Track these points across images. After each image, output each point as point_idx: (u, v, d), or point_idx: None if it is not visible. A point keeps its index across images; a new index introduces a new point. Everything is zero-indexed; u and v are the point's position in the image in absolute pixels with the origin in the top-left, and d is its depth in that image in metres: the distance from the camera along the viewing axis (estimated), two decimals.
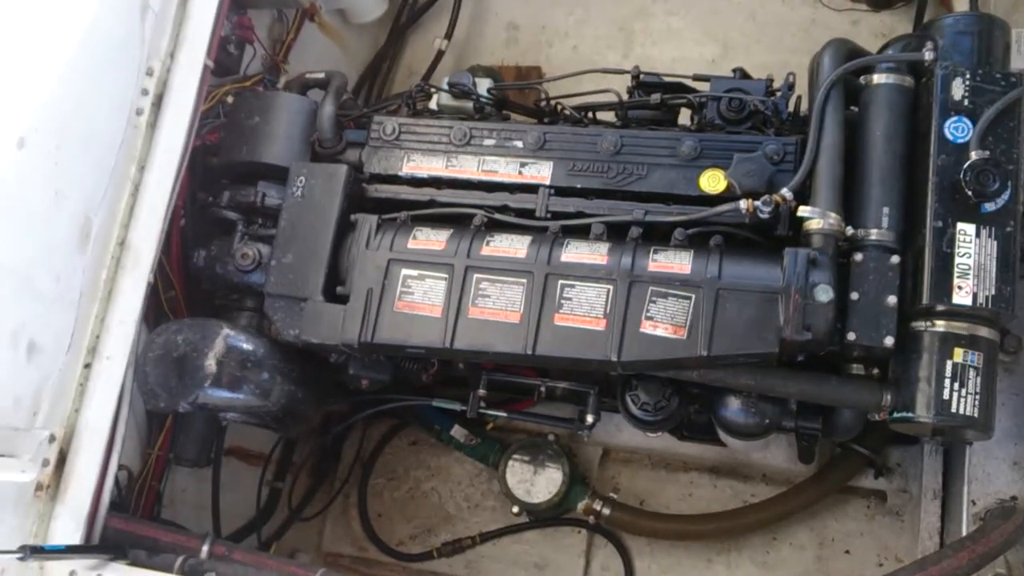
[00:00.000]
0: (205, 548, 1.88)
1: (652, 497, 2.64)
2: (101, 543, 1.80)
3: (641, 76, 2.12)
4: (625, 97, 2.12)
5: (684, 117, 2.17)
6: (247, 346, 1.95)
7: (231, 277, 2.07)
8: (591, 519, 2.50)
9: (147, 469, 2.14)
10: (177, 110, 1.95)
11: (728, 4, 2.96)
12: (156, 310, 2.11)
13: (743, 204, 1.79)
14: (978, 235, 1.68)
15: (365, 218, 1.97)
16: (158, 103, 1.95)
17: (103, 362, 1.84)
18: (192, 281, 2.16)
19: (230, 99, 2.20)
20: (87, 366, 1.83)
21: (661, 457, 2.67)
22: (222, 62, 2.26)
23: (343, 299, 1.92)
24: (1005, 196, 1.68)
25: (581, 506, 2.49)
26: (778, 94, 2.01)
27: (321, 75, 2.24)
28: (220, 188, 2.13)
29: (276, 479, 2.69)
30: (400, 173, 2.07)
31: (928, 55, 1.80)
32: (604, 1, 3.06)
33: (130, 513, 2.06)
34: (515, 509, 2.54)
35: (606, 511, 2.47)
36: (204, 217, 2.15)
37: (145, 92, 1.93)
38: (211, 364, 1.90)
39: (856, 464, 2.40)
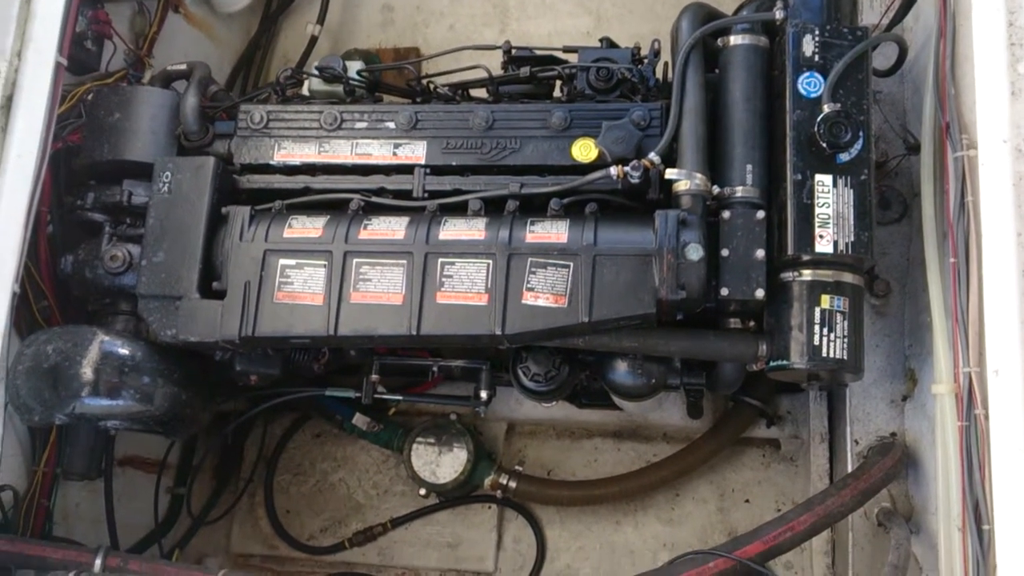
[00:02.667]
0: (98, 561, 1.84)
1: (559, 466, 2.68)
2: None
3: (512, 51, 2.13)
4: (499, 73, 2.13)
5: (559, 90, 2.18)
6: (124, 351, 1.89)
7: (102, 281, 2.00)
8: (498, 494, 2.52)
9: (34, 487, 2.07)
10: (29, 112, 1.88)
11: None
12: (30, 321, 2.04)
13: (614, 171, 1.82)
14: (835, 185, 1.75)
15: (237, 210, 1.93)
16: (7, 106, 1.87)
17: None
18: (65, 288, 2.09)
19: (90, 97, 2.12)
20: None
21: (565, 426, 2.70)
22: (79, 59, 2.18)
23: (220, 295, 1.88)
24: (858, 146, 1.75)
25: (488, 482, 2.51)
26: (645, 62, 2.04)
27: (183, 66, 2.17)
28: (85, 190, 2.05)
29: (177, 484, 2.63)
30: (271, 162, 2.04)
31: (779, 14, 1.85)
32: None
33: (18, 534, 1.99)
34: (422, 491, 2.53)
35: (512, 484, 2.49)
36: (71, 221, 2.07)
37: None
38: (87, 372, 1.84)
39: (749, 415, 2.47)
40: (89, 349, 1.87)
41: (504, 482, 2.50)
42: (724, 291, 1.78)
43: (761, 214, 1.80)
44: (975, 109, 1.61)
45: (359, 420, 2.56)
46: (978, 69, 1.59)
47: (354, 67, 2.16)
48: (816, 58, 1.79)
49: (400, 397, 2.30)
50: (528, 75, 2.07)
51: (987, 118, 1.56)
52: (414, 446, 2.52)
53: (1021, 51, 1.58)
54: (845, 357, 1.75)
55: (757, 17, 1.90)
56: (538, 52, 2.13)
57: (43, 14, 1.91)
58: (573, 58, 2.09)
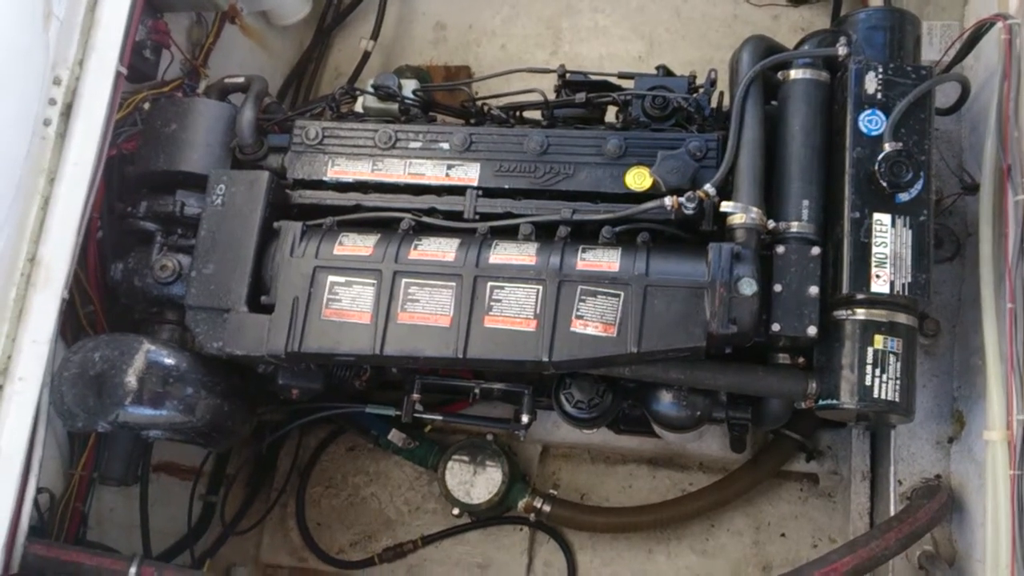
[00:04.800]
0: (132, 570, 1.84)
1: (592, 491, 2.66)
2: (21, 572, 1.74)
3: (567, 75, 2.13)
4: (552, 96, 2.12)
5: (611, 114, 2.17)
6: (169, 361, 1.89)
7: (150, 290, 2.01)
8: (532, 516, 2.51)
9: (70, 490, 2.07)
10: (88, 119, 1.90)
11: (653, 1, 2.97)
12: (75, 326, 2.05)
13: (668, 201, 1.81)
14: (893, 225, 1.72)
15: (289, 225, 1.94)
16: (67, 113, 1.89)
17: (15, 383, 1.77)
18: (112, 295, 2.10)
19: (147, 106, 2.14)
20: None
21: (600, 451, 2.68)
22: (137, 68, 2.20)
23: (268, 309, 1.89)
24: (918, 186, 1.72)
25: (521, 504, 2.49)
26: (700, 91, 2.03)
27: (241, 79, 2.19)
28: (138, 198, 2.07)
29: (210, 493, 2.63)
30: (324, 178, 2.04)
31: (842, 50, 1.83)
32: None
33: (53, 537, 2.00)
34: (455, 511, 2.53)
35: (546, 508, 2.48)
36: (122, 228, 2.08)
37: (52, 102, 1.87)
38: (131, 381, 1.84)
39: (788, 449, 2.44)
40: (135, 358, 1.87)
41: (538, 505, 2.48)
42: (775, 327, 1.75)
43: (816, 250, 1.77)
44: None
45: (395, 436, 2.56)
46: None
47: (408, 85, 2.16)
48: (879, 96, 1.77)
49: (440, 416, 2.29)
50: (584, 100, 2.06)
51: None
52: (449, 464, 2.51)
53: None
54: (897, 399, 1.72)
55: (819, 53, 1.88)
56: (593, 77, 2.13)
57: (106, 23, 1.93)
58: (628, 84, 2.08)
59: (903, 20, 1.89)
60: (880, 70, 1.78)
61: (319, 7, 3.00)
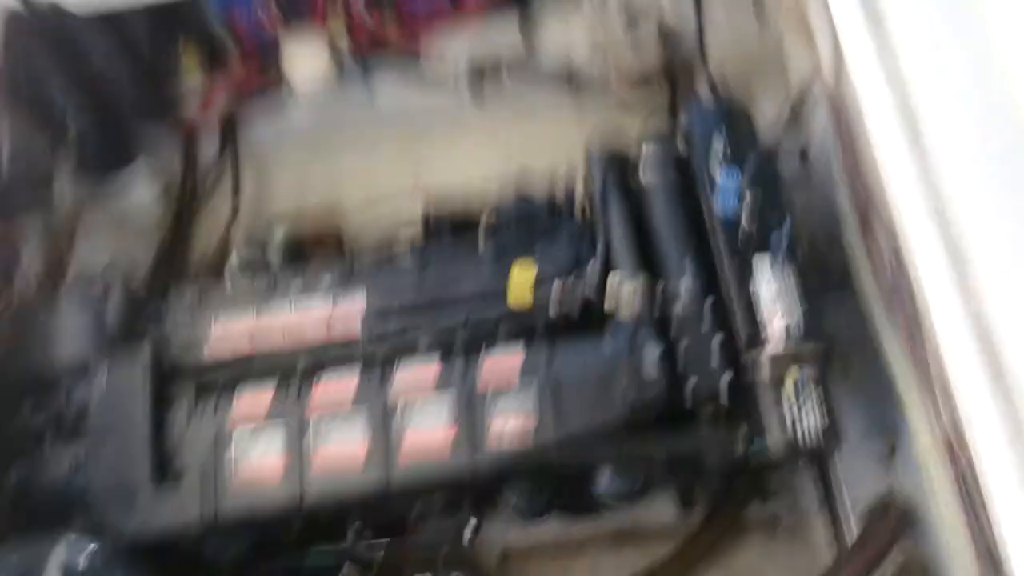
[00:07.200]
0: None
1: None
2: None
3: (430, 220, 2.19)
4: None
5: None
6: (84, 560, 1.79)
7: (52, 486, 1.91)
8: None
9: None
10: None
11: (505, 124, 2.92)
12: None
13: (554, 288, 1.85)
14: (772, 265, 1.78)
15: (181, 390, 1.88)
16: None
17: None
18: (14, 501, 1.98)
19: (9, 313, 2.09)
20: None
21: (560, 542, 2.60)
22: None
23: (177, 480, 1.81)
24: (786, 227, 1.81)
25: None
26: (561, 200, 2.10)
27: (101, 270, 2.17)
28: (20, 400, 1.98)
29: None
30: (209, 336, 1.98)
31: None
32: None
33: None
34: None
35: None
36: (12, 432, 1.99)
37: None
38: None
39: (743, 495, 2.41)
40: (48, 562, 1.75)
41: None
42: (691, 381, 1.76)
43: (710, 300, 1.80)
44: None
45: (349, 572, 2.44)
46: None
47: (278, 232, 2.18)
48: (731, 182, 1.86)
49: (386, 545, 2.20)
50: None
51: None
52: None
53: None
54: (822, 427, 1.73)
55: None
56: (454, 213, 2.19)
57: None
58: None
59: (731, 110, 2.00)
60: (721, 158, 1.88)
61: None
